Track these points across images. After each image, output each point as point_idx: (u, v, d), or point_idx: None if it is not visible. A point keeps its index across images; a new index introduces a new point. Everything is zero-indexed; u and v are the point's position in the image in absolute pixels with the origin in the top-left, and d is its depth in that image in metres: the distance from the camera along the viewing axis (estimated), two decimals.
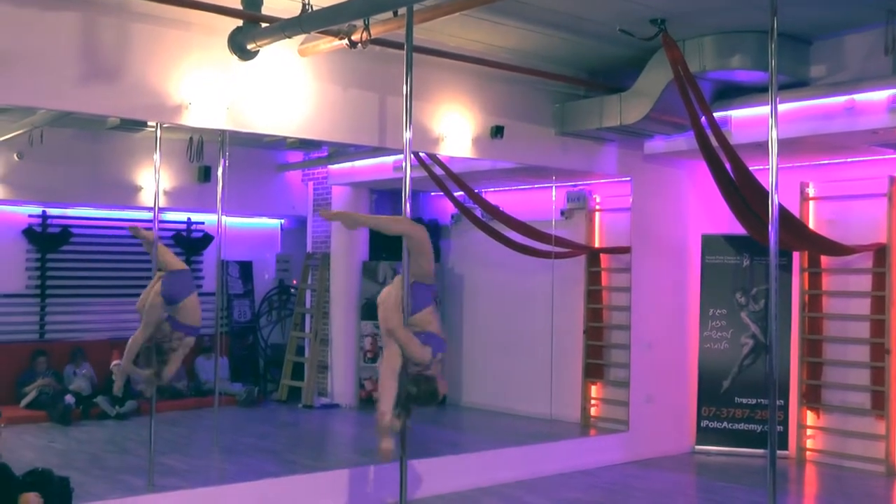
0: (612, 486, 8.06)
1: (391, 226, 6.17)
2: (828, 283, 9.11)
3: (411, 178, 6.21)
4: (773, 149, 5.10)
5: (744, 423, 9.35)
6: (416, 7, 6.03)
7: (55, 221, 10.12)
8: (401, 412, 5.90)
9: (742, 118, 7.85)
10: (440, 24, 6.63)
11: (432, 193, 11.27)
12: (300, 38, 6.61)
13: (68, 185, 9.34)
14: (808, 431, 9.07)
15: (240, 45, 6.38)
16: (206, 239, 10.98)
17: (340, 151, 10.55)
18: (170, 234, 10.60)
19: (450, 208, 11.05)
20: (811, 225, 8.92)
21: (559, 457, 8.61)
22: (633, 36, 7.09)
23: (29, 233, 10.03)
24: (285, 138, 8.39)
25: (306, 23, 5.96)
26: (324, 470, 7.54)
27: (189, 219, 10.92)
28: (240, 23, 6.35)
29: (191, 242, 10.98)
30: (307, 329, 11.46)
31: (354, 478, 7.23)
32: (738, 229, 7.68)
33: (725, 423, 9.40)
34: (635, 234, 9.18)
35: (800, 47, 7.55)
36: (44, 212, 10.05)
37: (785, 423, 9.07)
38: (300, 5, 6.01)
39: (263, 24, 6.30)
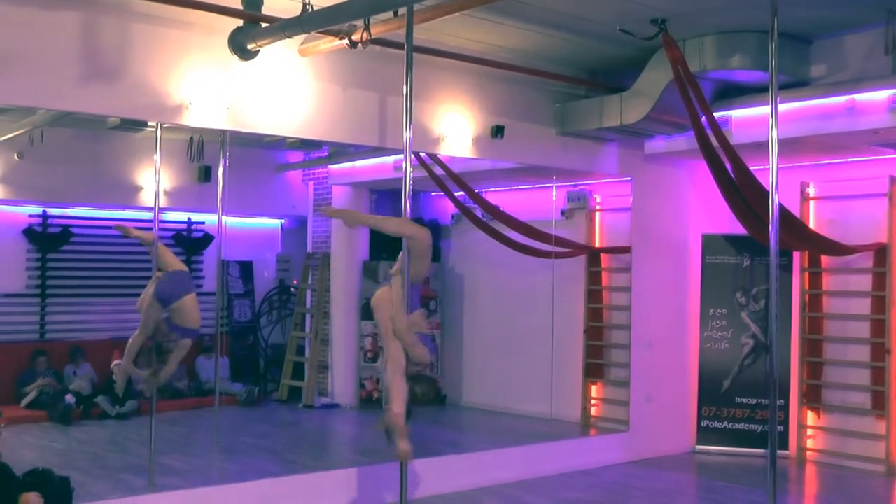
0: (613, 485, 8.06)
1: (397, 228, 6.13)
2: (828, 282, 9.11)
3: (412, 178, 6.22)
4: (774, 149, 5.10)
5: (744, 422, 9.35)
6: (416, 7, 6.03)
7: (55, 221, 10.13)
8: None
9: (742, 118, 7.85)
10: (440, 24, 6.62)
11: (433, 193, 11.27)
12: (300, 38, 6.61)
13: (69, 184, 9.35)
14: (809, 431, 9.07)
15: (240, 45, 6.38)
16: (207, 239, 10.98)
17: (341, 151, 10.56)
18: (170, 234, 10.61)
19: (450, 208, 11.05)
20: (811, 225, 8.92)
21: (559, 457, 8.61)
22: (633, 36, 7.09)
23: (29, 232, 10.04)
24: (285, 138, 8.39)
25: (307, 23, 5.96)
26: (324, 470, 7.55)
27: (189, 219, 10.93)
28: (240, 23, 6.35)
29: (191, 242, 10.99)
30: (307, 329, 11.46)
31: (355, 478, 7.23)
32: (738, 229, 7.68)
33: (726, 423, 9.40)
34: (635, 234, 9.18)
35: (800, 47, 7.54)
36: (44, 211, 10.06)
37: (785, 422, 9.07)
38: (300, 5, 6.01)
39: (264, 24, 6.30)
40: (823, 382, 9.04)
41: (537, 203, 10.40)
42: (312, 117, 6.98)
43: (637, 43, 7.22)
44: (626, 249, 9.33)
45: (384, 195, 11.33)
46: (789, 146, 7.62)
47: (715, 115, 7.17)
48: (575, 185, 10.11)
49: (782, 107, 6.49)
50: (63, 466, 6.58)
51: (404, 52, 6.17)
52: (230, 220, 10.31)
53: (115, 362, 9.42)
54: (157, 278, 7.10)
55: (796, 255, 9.11)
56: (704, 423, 9.46)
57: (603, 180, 9.76)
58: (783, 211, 6.71)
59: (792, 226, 7.56)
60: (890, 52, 6.85)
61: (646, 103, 7.85)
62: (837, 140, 7.74)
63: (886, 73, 6.99)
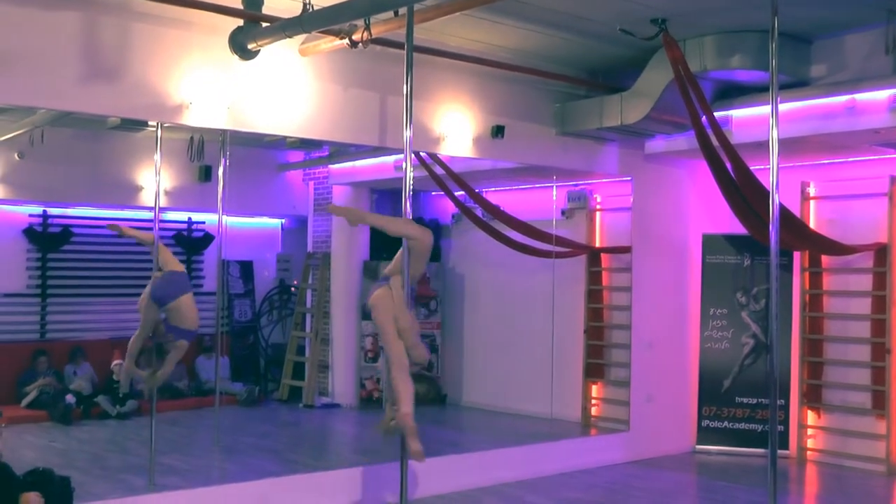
0: (613, 485, 8.06)
1: (400, 228, 6.14)
2: (828, 282, 9.11)
3: (412, 178, 6.22)
4: (774, 148, 5.10)
5: (744, 422, 9.35)
6: (416, 7, 6.03)
7: (56, 221, 10.13)
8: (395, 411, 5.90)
9: (743, 118, 7.85)
10: (441, 24, 6.62)
11: (433, 193, 11.27)
12: (301, 37, 6.61)
13: (69, 184, 9.35)
14: (809, 431, 9.07)
15: (240, 45, 6.38)
16: (207, 238, 10.98)
17: (341, 151, 10.56)
18: (171, 233, 10.62)
19: (450, 208, 11.05)
20: (812, 224, 8.92)
21: (560, 456, 8.61)
22: (633, 36, 7.09)
23: (29, 232, 10.03)
24: (286, 138, 8.39)
25: (307, 22, 5.96)
26: (325, 469, 7.56)
27: (190, 218, 10.93)
28: (240, 22, 6.35)
29: (191, 242, 10.99)
30: (308, 329, 11.46)
31: (355, 477, 7.23)
32: (738, 229, 7.68)
33: (726, 423, 9.40)
34: (636, 234, 9.18)
35: (800, 47, 7.54)
36: (44, 211, 10.05)
37: (786, 422, 9.07)
38: (301, 5, 6.01)
39: (264, 24, 6.30)
40: (824, 382, 9.03)
41: (538, 203, 10.40)
42: (313, 117, 6.98)
43: (637, 43, 7.22)
44: (626, 249, 9.33)
45: (384, 195, 11.33)
46: (790, 146, 7.62)
47: (715, 114, 7.17)
48: (575, 185, 10.11)
49: (783, 106, 6.49)
50: (63, 466, 6.58)
51: (405, 51, 6.17)
52: (230, 220, 10.30)
53: (115, 362, 9.45)
54: (155, 278, 7.10)
55: (797, 255, 9.11)
56: (705, 422, 9.46)
57: (603, 180, 9.76)
58: (783, 211, 6.71)
59: (792, 225, 7.56)
60: (890, 51, 6.85)
61: (646, 103, 7.85)
62: (838, 140, 7.74)
63: (887, 73, 6.99)
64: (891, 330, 8.49)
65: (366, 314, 11.01)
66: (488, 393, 11.02)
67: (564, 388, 9.90)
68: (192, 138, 8.73)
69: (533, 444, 8.79)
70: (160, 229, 7.46)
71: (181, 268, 7.41)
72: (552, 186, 10.12)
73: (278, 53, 6.66)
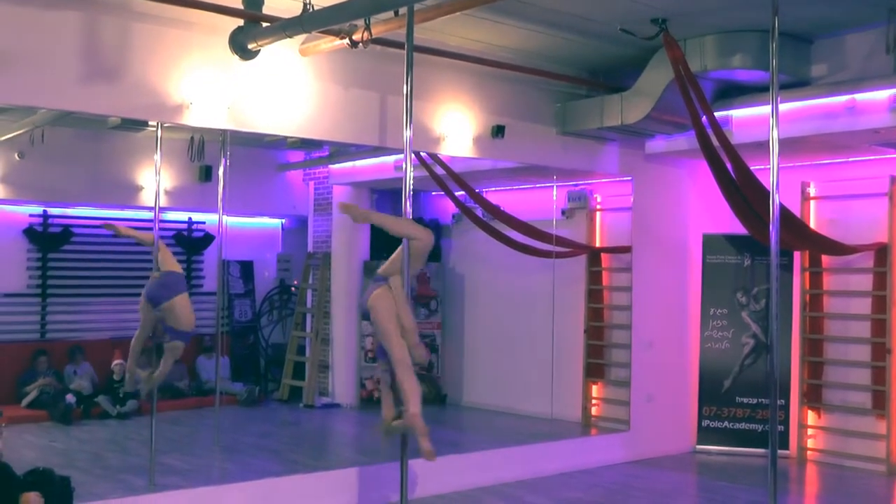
0: (613, 485, 8.06)
1: (402, 228, 6.15)
2: (829, 282, 9.11)
3: (412, 178, 6.22)
4: (774, 148, 5.10)
5: (745, 422, 9.35)
6: (416, 7, 6.03)
7: (56, 221, 10.13)
8: (402, 412, 5.90)
9: (743, 118, 7.85)
10: (441, 24, 6.62)
11: (433, 193, 11.27)
12: (301, 37, 6.61)
13: (69, 184, 9.35)
14: (809, 431, 9.07)
15: (241, 45, 6.38)
16: (207, 238, 10.98)
17: (341, 151, 10.55)
18: (171, 233, 10.62)
19: (451, 208, 11.04)
20: (812, 224, 8.92)
21: (560, 456, 8.61)
22: (634, 35, 7.09)
23: (30, 232, 10.04)
24: (286, 138, 8.39)
25: (307, 22, 5.96)
26: (325, 469, 7.55)
27: (190, 218, 10.93)
28: (241, 22, 6.35)
29: (192, 242, 10.99)
30: (308, 328, 11.46)
31: (355, 477, 7.23)
32: (739, 229, 7.68)
33: (726, 423, 9.40)
34: (636, 234, 9.18)
35: (801, 47, 7.54)
36: (45, 211, 10.05)
37: (786, 422, 9.07)
38: (301, 5, 6.01)
39: (264, 24, 6.30)
40: (824, 382, 9.03)
41: (538, 203, 10.40)
42: (313, 117, 6.98)
43: (638, 42, 7.22)
44: (626, 249, 9.33)
45: (385, 195, 11.33)
46: (790, 146, 7.62)
47: (716, 114, 7.17)
48: (576, 185, 10.10)
49: (783, 106, 6.49)
50: (64, 466, 6.58)
51: (405, 51, 6.17)
52: (231, 220, 10.30)
53: (115, 362, 9.46)
54: (153, 279, 7.11)
55: (797, 255, 9.11)
56: (705, 422, 9.46)
57: (603, 180, 9.76)
58: (784, 211, 6.71)
59: (792, 225, 7.56)
60: (891, 51, 6.85)
61: (646, 103, 7.85)
62: (838, 140, 7.74)
63: (887, 73, 6.98)
64: (891, 330, 8.49)
65: (366, 314, 11.03)
66: (488, 393, 11.02)
67: (564, 388, 9.90)
68: (192, 138, 8.74)
69: (533, 444, 8.78)
70: (160, 229, 7.46)
71: (178, 268, 7.39)
72: (552, 186, 10.12)
73: (278, 53, 6.66)
